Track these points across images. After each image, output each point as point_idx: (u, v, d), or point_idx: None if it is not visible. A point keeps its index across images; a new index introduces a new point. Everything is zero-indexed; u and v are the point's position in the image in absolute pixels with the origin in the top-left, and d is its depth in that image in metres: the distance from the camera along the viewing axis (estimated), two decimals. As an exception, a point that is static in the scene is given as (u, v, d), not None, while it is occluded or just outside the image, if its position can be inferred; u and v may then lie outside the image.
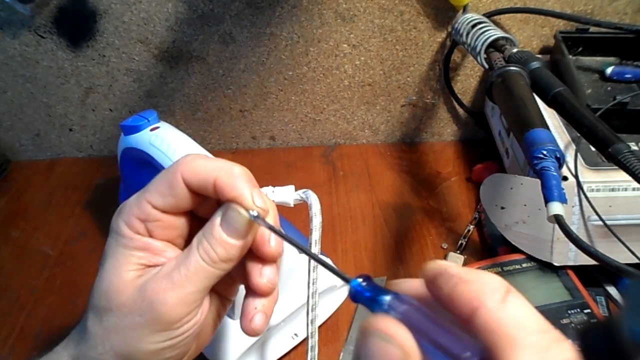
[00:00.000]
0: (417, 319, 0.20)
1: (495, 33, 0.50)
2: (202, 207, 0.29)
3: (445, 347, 0.18)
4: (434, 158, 0.71)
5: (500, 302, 0.18)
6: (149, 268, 0.27)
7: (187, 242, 0.29)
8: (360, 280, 0.22)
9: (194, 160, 0.27)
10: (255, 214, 0.26)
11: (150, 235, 0.28)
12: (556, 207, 0.33)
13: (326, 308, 0.50)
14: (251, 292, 0.29)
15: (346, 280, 0.23)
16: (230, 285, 0.31)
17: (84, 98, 0.67)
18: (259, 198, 0.27)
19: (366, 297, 0.22)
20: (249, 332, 0.28)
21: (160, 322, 0.26)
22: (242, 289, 0.31)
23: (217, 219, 0.27)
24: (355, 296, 0.22)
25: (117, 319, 0.26)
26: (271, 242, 0.28)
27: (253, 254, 0.29)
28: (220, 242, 0.26)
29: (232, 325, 0.43)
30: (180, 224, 0.29)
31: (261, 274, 0.28)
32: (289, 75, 0.66)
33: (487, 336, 0.17)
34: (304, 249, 0.27)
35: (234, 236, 0.26)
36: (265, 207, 0.27)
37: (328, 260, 0.49)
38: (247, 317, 0.28)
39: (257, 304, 0.29)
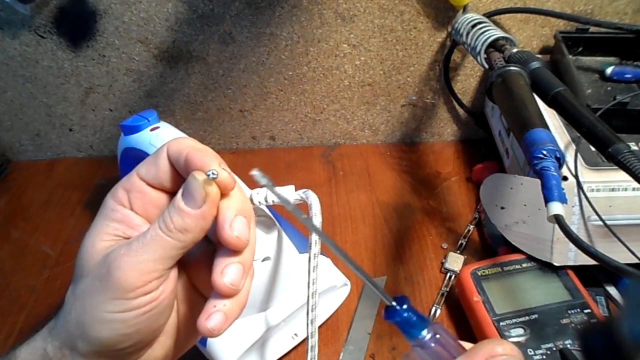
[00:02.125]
0: (447, 349, 0.22)
1: (495, 33, 0.50)
2: None
3: None
4: (434, 158, 0.71)
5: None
6: (124, 240, 0.28)
7: None
8: (403, 306, 0.23)
9: (180, 139, 0.29)
10: (212, 174, 0.26)
11: (131, 208, 0.28)
12: (556, 207, 0.33)
13: (326, 308, 0.50)
14: (214, 290, 0.28)
15: (389, 302, 0.23)
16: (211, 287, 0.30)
17: (84, 98, 0.67)
18: (224, 169, 0.26)
19: (407, 324, 0.22)
20: (202, 330, 0.26)
21: (114, 288, 0.25)
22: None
23: (180, 191, 0.27)
24: (395, 321, 0.23)
25: (83, 286, 0.27)
26: (234, 226, 0.26)
27: (223, 249, 0.27)
28: (177, 210, 0.26)
29: (232, 326, 0.43)
30: (160, 202, 0.29)
31: (222, 272, 0.26)
32: (289, 75, 0.66)
33: None
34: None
35: (190, 204, 0.26)
36: (228, 176, 0.26)
37: (328, 261, 0.49)
38: (203, 314, 0.26)
39: (217, 302, 0.27)
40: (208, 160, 0.26)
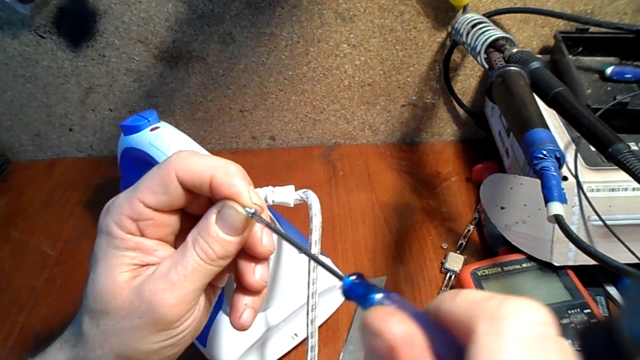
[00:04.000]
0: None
1: (495, 33, 0.50)
2: (192, 204, 0.29)
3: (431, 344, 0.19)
4: (434, 158, 0.71)
5: (452, 298, 0.20)
6: (142, 268, 0.27)
7: (178, 238, 0.29)
8: (353, 277, 0.22)
9: (187, 158, 0.27)
10: (253, 211, 0.27)
11: (142, 235, 0.27)
12: (556, 207, 0.33)
13: (326, 308, 0.50)
14: (242, 288, 0.30)
15: (339, 277, 0.23)
16: (220, 275, 0.30)
17: (84, 98, 0.67)
18: (256, 196, 0.27)
19: (357, 294, 0.22)
20: (237, 327, 0.29)
21: (161, 322, 0.26)
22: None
23: (212, 217, 0.27)
24: (346, 293, 0.23)
25: (115, 322, 0.26)
26: (263, 240, 0.28)
27: (244, 252, 0.29)
28: (217, 239, 0.26)
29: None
30: (172, 221, 0.28)
31: (254, 273, 0.29)
32: (289, 75, 0.66)
33: (454, 326, 0.19)
34: (301, 247, 0.27)
35: (231, 233, 0.27)
36: (261, 205, 0.27)
37: (328, 260, 0.49)
38: (236, 312, 0.29)
39: (246, 300, 0.29)
40: (240, 189, 0.26)
